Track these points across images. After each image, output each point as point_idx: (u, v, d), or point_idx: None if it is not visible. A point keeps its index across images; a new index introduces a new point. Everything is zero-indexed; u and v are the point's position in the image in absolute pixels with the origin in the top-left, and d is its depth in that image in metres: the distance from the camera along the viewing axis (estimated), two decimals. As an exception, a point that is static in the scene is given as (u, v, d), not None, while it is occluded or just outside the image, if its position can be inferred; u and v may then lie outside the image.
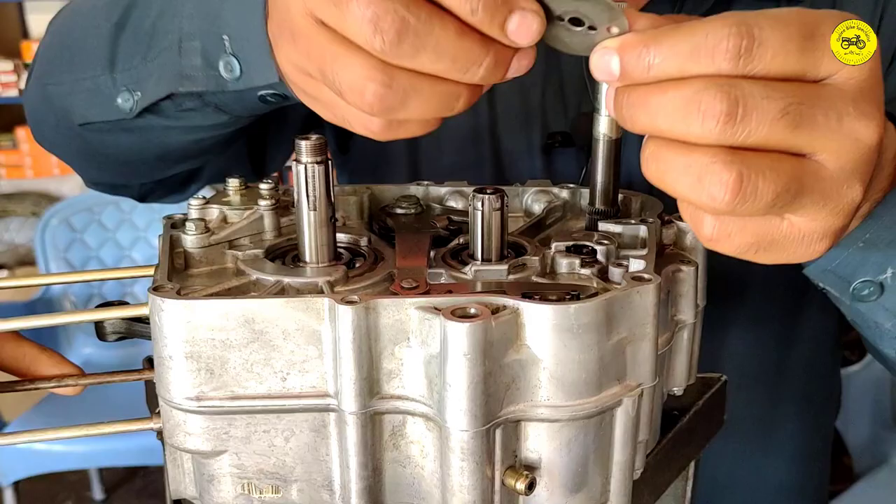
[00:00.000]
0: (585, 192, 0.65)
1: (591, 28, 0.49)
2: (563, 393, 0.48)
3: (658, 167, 0.47)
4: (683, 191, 0.46)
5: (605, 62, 0.46)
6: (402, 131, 0.51)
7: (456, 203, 0.68)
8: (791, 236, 0.48)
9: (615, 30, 0.48)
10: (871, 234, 0.59)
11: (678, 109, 0.44)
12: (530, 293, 0.50)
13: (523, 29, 0.46)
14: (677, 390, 0.61)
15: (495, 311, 0.47)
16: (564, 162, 0.88)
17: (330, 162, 0.54)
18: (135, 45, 0.73)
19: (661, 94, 0.45)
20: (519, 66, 0.49)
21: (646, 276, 0.51)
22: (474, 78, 0.47)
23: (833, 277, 0.62)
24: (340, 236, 0.59)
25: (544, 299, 0.49)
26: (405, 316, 0.48)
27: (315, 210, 0.54)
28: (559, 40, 0.50)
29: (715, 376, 0.70)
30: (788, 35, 0.44)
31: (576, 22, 0.49)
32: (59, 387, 0.59)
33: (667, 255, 0.59)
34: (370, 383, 0.49)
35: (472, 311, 0.47)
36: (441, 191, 0.68)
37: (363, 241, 0.59)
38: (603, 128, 0.60)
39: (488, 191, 0.55)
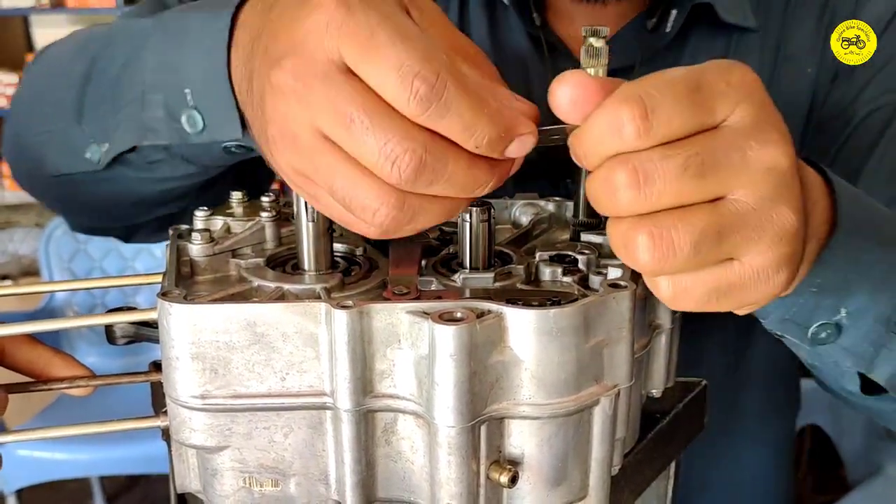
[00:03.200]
0: (570, 204, 0.69)
1: None
2: (544, 392, 0.52)
3: (610, 242, 0.51)
4: (625, 261, 0.50)
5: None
6: (405, 234, 0.52)
7: (447, 215, 0.71)
8: (746, 276, 0.49)
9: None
10: (822, 280, 0.60)
11: (600, 190, 0.48)
12: (514, 299, 0.54)
13: (521, 150, 0.49)
14: (656, 392, 0.64)
15: (480, 315, 0.51)
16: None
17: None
18: (101, 96, 0.73)
19: (591, 179, 0.49)
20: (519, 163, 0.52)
21: (622, 283, 0.54)
22: (479, 194, 0.50)
23: (792, 325, 0.64)
24: (337, 246, 0.63)
25: (526, 305, 0.52)
26: (396, 320, 0.52)
27: (313, 221, 0.58)
28: None
29: (695, 381, 0.73)
30: (677, 94, 0.46)
31: None
32: (71, 388, 0.62)
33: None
34: (364, 383, 0.52)
35: (459, 315, 0.50)
36: (433, 203, 0.72)
37: (358, 251, 0.63)
38: (585, 144, 0.64)
39: (476, 203, 0.59)
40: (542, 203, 0.71)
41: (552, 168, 0.91)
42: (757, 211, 0.48)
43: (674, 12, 0.91)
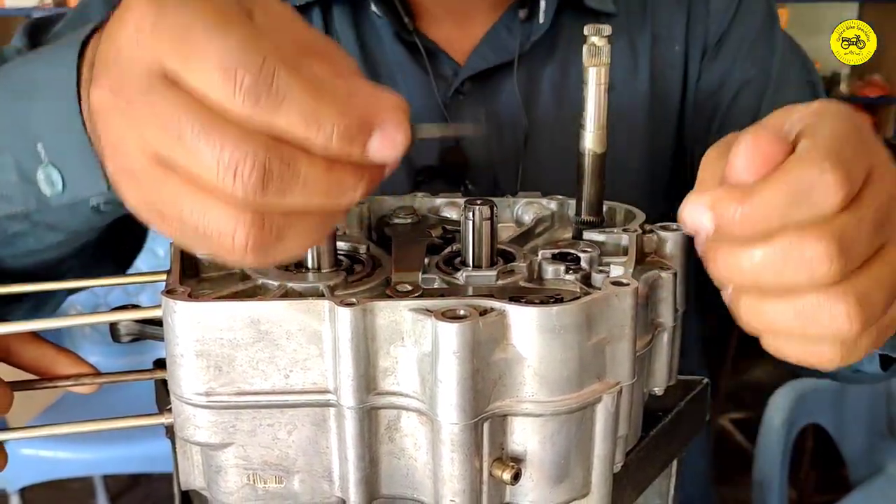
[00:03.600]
0: (573, 202, 0.69)
1: None
2: (547, 389, 0.52)
3: (760, 319, 0.47)
4: (795, 333, 0.46)
5: (697, 216, 0.45)
6: (282, 256, 0.46)
7: (450, 213, 0.72)
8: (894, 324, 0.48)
9: None
10: None
11: (781, 260, 0.44)
12: (517, 297, 0.54)
13: (387, 147, 0.43)
14: (658, 390, 0.65)
15: (483, 312, 0.51)
16: None
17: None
18: None
19: (758, 247, 0.44)
20: (393, 166, 0.45)
21: (624, 280, 0.54)
22: (350, 201, 0.44)
23: None
24: (340, 244, 0.63)
25: (529, 302, 0.52)
26: (400, 317, 0.52)
27: (317, 219, 0.58)
28: None
29: (697, 379, 0.73)
30: (854, 151, 0.44)
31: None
32: (76, 385, 0.62)
33: (648, 263, 0.63)
34: (367, 380, 0.53)
35: (462, 312, 0.51)
36: (436, 202, 0.72)
37: (362, 249, 0.63)
38: (589, 143, 0.64)
39: (478, 202, 0.59)
40: (544, 201, 0.71)
41: (449, 168, 0.92)
42: None
43: (542, 2, 0.94)
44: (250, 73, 0.40)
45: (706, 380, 0.74)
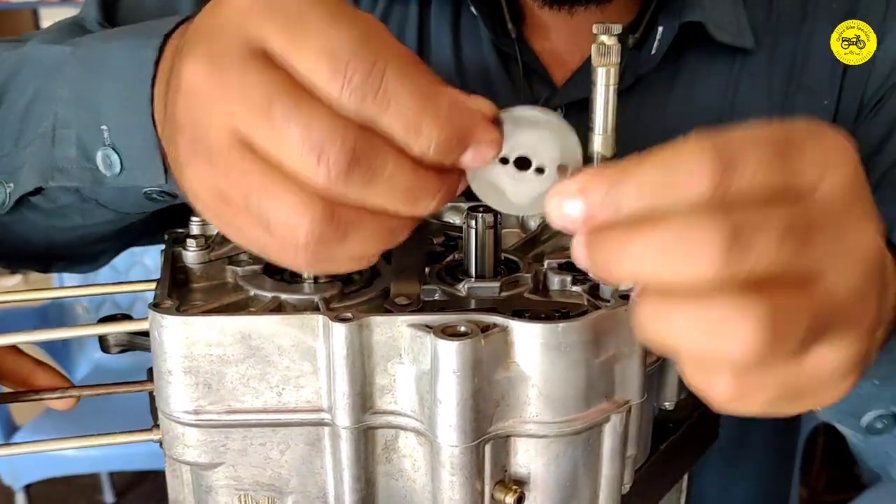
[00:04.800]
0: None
1: (539, 170, 0.44)
2: (552, 410, 0.49)
3: (659, 327, 0.38)
4: (695, 348, 0.37)
5: (565, 207, 0.39)
6: (330, 268, 0.45)
7: (453, 218, 0.69)
8: (818, 377, 0.40)
9: (570, 169, 0.44)
10: (886, 370, 0.54)
11: (667, 249, 0.36)
12: (521, 310, 0.51)
13: (478, 162, 0.43)
14: (668, 405, 0.62)
15: (485, 329, 0.48)
16: None
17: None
18: (7, 130, 0.64)
19: (642, 234, 0.37)
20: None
21: (633, 294, 0.52)
22: (425, 211, 0.43)
23: (845, 416, 0.59)
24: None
25: (534, 317, 0.50)
26: (397, 333, 0.49)
27: (312, 228, 0.55)
28: (495, 191, 0.44)
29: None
30: (762, 146, 0.37)
31: (522, 164, 0.44)
32: (60, 398, 0.60)
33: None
34: (363, 398, 0.50)
35: (462, 328, 0.48)
36: (439, 207, 0.69)
37: (360, 258, 0.60)
38: (598, 147, 0.61)
39: (481, 209, 0.56)
40: (551, 207, 0.68)
41: None
42: (849, 299, 0.38)
43: (659, 29, 0.81)
44: (361, 70, 0.39)
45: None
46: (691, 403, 0.68)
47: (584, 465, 0.52)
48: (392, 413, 0.51)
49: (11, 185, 0.64)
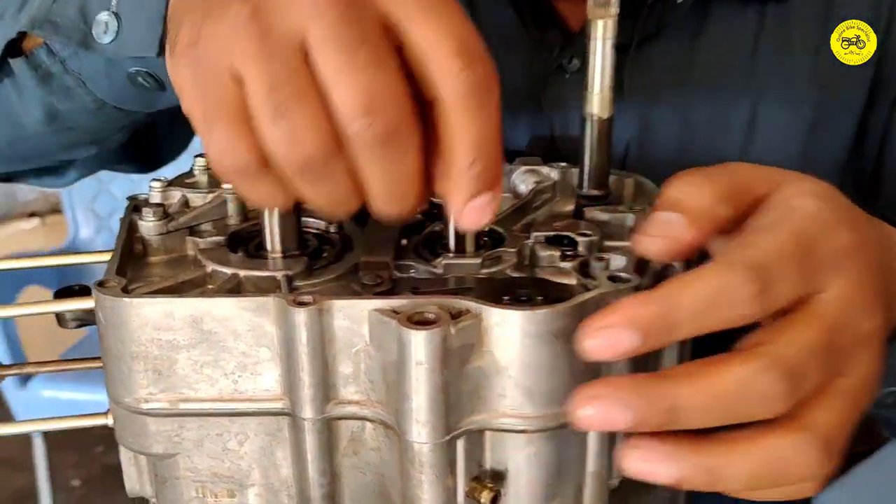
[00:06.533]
0: (577, 171, 0.61)
1: None
2: (532, 403, 0.45)
3: (725, 474, 0.41)
4: (764, 483, 0.42)
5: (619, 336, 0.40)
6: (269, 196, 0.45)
7: (438, 183, 0.64)
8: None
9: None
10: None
11: (737, 402, 0.40)
12: (500, 292, 0.46)
13: (485, 212, 0.44)
14: (667, 388, 0.57)
15: (456, 315, 0.44)
16: None
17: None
18: None
19: (711, 388, 0.40)
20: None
21: (624, 275, 0.47)
22: (391, 211, 0.44)
23: None
24: (310, 220, 0.56)
25: (512, 302, 0.45)
26: (361, 318, 0.45)
27: (277, 197, 0.51)
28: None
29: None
30: (790, 263, 0.41)
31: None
32: (17, 373, 0.57)
33: (658, 246, 0.55)
34: (325, 388, 0.46)
35: (430, 315, 0.43)
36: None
37: (332, 227, 0.56)
38: (594, 107, 0.56)
39: (463, 176, 0.51)
40: (544, 170, 0.63)
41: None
42: (857, 395, 0.43)
43: None
44: (477, 74, 0.40)
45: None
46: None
47: (568, 460, 0.47)
48: (357, 403, 0.47)
49: None
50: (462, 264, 0.51)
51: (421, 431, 0.44)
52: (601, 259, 0.50)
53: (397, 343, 0.43)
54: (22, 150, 0.73)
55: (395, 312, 0.44)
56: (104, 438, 3.07)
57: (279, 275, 0.49)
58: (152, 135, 0.85)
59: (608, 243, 0.53)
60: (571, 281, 0.50)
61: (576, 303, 0.44)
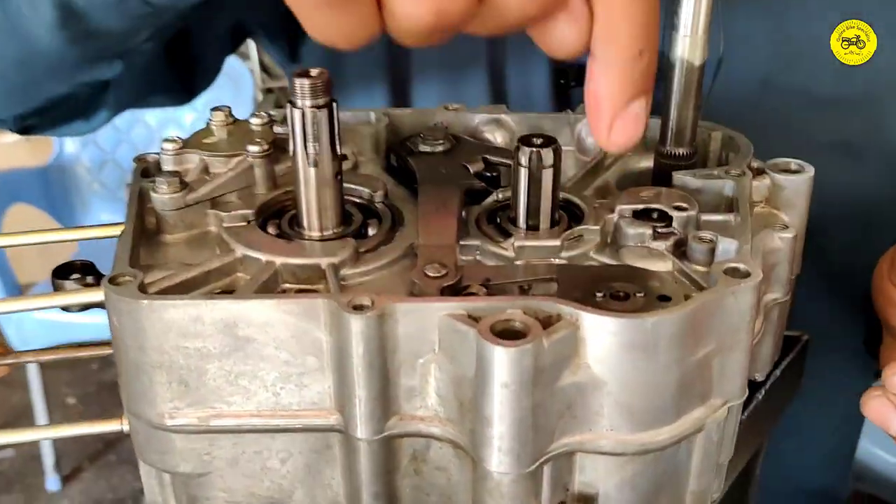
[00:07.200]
0: (654, 120, 0.53)
1: None
2: (632, 422, 0.38)
3: None
4: None
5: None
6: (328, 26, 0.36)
7: (493, 136, 0.55)
8: None
9: None
10: None
11: None
12: (588, 288, 0.39)
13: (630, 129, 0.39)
14: (759, 376, 0.51)
15: (548, 323, 0.36)
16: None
17: (335, 104, 0.42)
18: None
19: None
20: None
21: (742, 267, 0.39)
22: (405, 36, 0.36)
23: None
24: (351, 187, 0.47)
25: (607, 301, 0.37)
26: (430, 323, 0.37)
27: (316, 167, 0.43)
28: None
29: (796, 334, 0.59)
30: None
31: None
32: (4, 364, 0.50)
33: (756, 216, 0.47)
34: (385, 402, 0.38)
35: (517, 325, 0.36)
36: (475, 119, 0.55)
37: (377, 197, 0.48)
38: (684, 52, 0.47)
39: (537, 140, 0.43)
40: (615, 120, 0.54)
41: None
42: None
43: None
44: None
45: (806, 336, 0.60)
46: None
47: (668, 482, 0.41)
48: (422, 419, 0.39)
49: None
50: (538, 247, 0.43)
51: (503, 460, 0.37)
52: (702, 240, 0.42)
53: (476, 357, 0.36)
54: (35, 71, 0.64)
55: (471, 318, 0.37)
56: (97, 362, 3.03)
57: (324, 262, 0.42)
58: (185, 57, 0.76)
59: (705, 217, 0.45)
60: (665, 264, 0.43)
61: (689, 309, 0.37)
